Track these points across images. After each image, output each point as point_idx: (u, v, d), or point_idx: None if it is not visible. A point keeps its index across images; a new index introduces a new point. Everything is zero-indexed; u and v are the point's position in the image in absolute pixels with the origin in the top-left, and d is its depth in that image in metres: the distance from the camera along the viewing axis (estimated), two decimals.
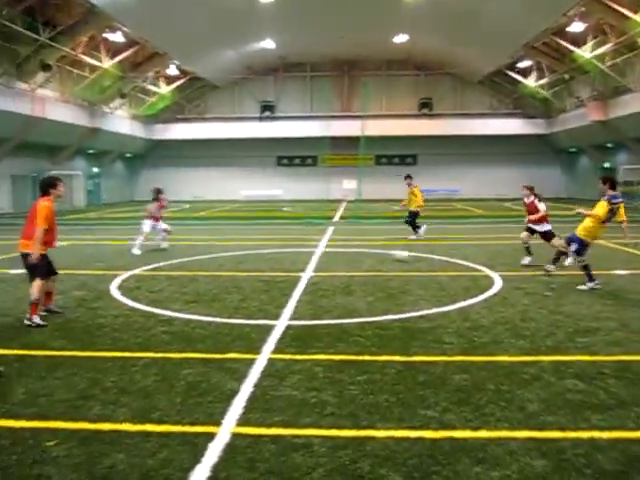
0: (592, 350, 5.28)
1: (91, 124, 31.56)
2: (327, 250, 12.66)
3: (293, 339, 5.70)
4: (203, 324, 6.30)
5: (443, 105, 41.74)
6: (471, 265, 10.28)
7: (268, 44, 34.30)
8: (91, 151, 35.63)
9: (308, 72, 42.35)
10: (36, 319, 6.26)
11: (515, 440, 3.54)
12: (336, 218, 23.11)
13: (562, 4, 25.06)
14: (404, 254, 10.82)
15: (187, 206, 33.70)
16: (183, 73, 36.92)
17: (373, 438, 3.58)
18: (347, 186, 40.47)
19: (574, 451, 3.40)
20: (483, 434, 3.63)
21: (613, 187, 8.51)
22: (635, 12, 23.63)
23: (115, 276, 9.28)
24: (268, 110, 41.92)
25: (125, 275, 9.44)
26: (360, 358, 5.11)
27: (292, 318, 6.52)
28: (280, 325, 6.19)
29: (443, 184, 41.36)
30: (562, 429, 3.68)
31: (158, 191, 13.15)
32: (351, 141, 40.57)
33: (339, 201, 36.63)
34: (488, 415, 3.91)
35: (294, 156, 43.24)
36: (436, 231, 16.79)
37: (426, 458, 3.33)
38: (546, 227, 10.04)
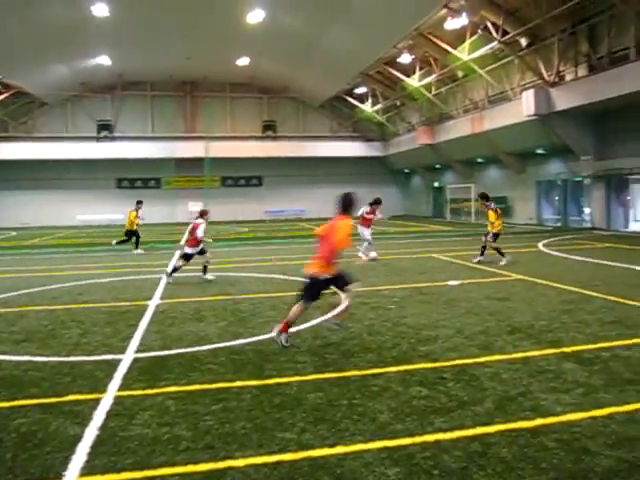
0: (433, 357, 5.68)
1: None
2: (174, 275, 12.20)
3: (141, 373, 5.37)
4: (37, 365, 5.68)
5: (286, 128, 42.90)
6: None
7: (104, 60, 32.63)
8: None
9: (149, 91, 40.98)
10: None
11: (369, 452, 3.66)
12: (182, 242, 22.40)
13: (392, 37, 27.30)
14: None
15: (13, 233, 30.54)
16: (5, 87, 33.63)
17: (232, 468, 3.47)
18: (193, 208, 39.51)
19: (422, 455, 3.60)
20: (340, 450, 3.70)
21: (487, 199, 13.22)
22: (454, 48, 26.50)
23: None
24: (105, 130, 39.64)
25: None
26: (214, 386, 4.96)
27: (139, 350, 6.15)
28: (126, 359, 5.80)
29: (290, 205, 42.38)
30: (411, 435, 3.88)
31: None
32: (196, 163, 39.99)
33: (186, 224, 35.64)
34: (343, 430, 4.00)
35: (136, 178, 41.30)
36: (285, 252, 17.10)
37: None
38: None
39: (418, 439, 3.82)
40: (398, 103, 37.80)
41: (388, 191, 44.25)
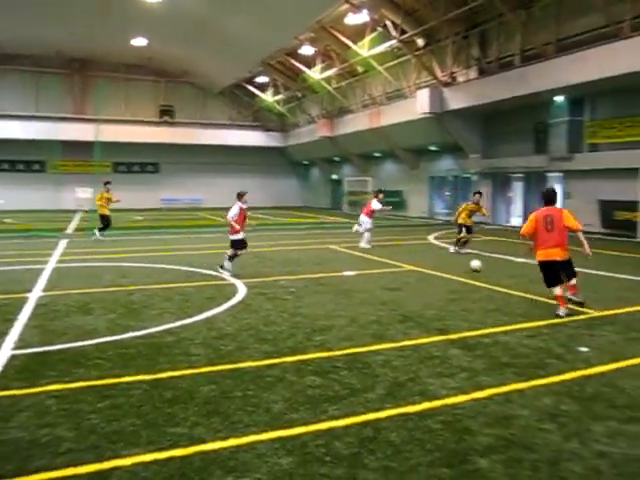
0: (327, 346, 5.78)
1: None
2: (59, 266, 11.46)
3: (19, 371, 4.98)
4: None
5: (185, 114, 41.59)
6: (215, 274, 10.40)
7: None
8: None
9: (31, 66, 37.79)
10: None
11: (263, 443, 3.65)
12: (70, 230, 21.15)
13: (294, 28, 27.27)
14: (477, 263, 10.98)
15: None
16: None
17: (119, 468, 3.31)
18: (82, 195, 37.29)
19: (315, 443, 3.65)
20: (233, 442, 3.65)
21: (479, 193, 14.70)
22: (355, 43, 26.99)
23: None
24: None
25: None
26: (101, 382, 4.71)
27: (17, 347, 5.69)
28: (1, 357, 5.36)
29: (187, 193, 41.26)
30: (304, 424, 3.92)
31: None
32: (85, 146, 37.70)
33: (73, 211, 33.61)
34: (237, 422, 3.95)
35: (17, 160, 38.16)
36: (182, 241, 16.65)
37: (178, 477, 3.21)
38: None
39: (311, 427, 3.87)
40: (299, 95, 37.95)
41: (287, 182, 44.48)
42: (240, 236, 10.39)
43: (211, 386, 4.64)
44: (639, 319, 6.99)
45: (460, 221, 14.23)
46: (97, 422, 3.93)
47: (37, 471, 3.27)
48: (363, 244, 15.06)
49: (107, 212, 17.27)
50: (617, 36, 16.55)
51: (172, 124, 40.61)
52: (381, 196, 15.81)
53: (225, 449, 3.56)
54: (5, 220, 26.61)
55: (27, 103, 37.72)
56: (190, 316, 7.03)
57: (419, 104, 24.44)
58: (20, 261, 12.04)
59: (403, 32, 24.32)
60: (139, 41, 32.69)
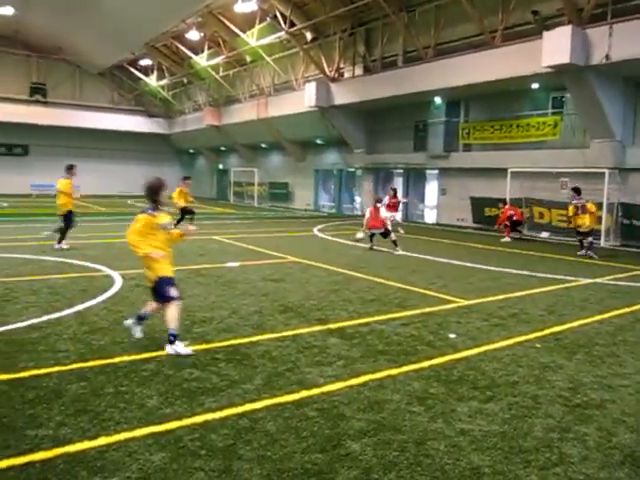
0: (207, 338, 5.68)
1: None
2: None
3: None
4: None
5: (60, 94, 38.71)
6: (90, 265, 9.83)
7: None
8: None
9: None
10: None
11: (135, 440, 3.51)
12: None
13: (181, 11, 26.31)
14: (360, 235, 13.45)
15: None
16: None
17: None
18: None
19: (190, 437, 3.57)
20: (102, 441, 3.48)
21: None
22: (244, 32, 26.63)
23: None
24: None
25: None
26: None
27: None
28: None
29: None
30: (179, 418, 3.82)
31: None
32: None
33: None
34: (107, 420, 3.77)
35: None
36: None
37: None
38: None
39: (187, 421, 3.78)
40: (185, 81, 36.82)
41: (171, 170, 42.89)
42: None
43: (80, 383, 4.39)
44: (501, 307, 7.60)
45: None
46: None
47: None
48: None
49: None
50: (490, 45, 17.82)
51: (45, 104, 37.61)
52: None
53: (93, 449, 3.38)
54: None
55: None
56: (59, 310, 6.58)
57: (306, 97, 24.72)
58: None
59: (292, 25, 24.43)
60: (5, 10, 29.83)
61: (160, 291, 5.25)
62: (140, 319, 5.56)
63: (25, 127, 36.54)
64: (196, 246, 13.11)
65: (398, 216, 19.13)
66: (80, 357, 5.00)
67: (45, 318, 6.22)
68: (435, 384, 4.63)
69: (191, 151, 43.02)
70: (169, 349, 5.14)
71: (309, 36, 25.82)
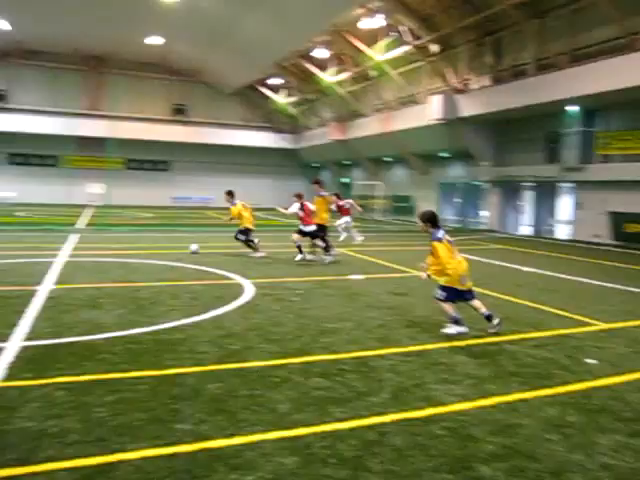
0: (333, 349, 5.80)
1: None
2: (70, 260, 11.57)
3: (28, 362, 5.03)
4: None
5: (197, 113, 41.87)
6: (224, 273, 10.45)
7: (2, 25, 30.11)
8: None
9: (49, 62, 38.20)
10: None
11: (268, 442, 3.67)
12: (80, 225, 21.31)
13: (308, 31, 27.37)
14: (194, 247, 13.08)
15: None
16: None
17: (124, 461, 3.34)
18: (93, 190, 37.63)
19: (319, 444, 3.66)
20: (238, 440, 3.68)
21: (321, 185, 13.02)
22: (369, 47, 27.06)
23: None
24: None
25: None
26: (109, 376, 4.75)
27: (27, 338, 5.76)
28: (11, 347, 5.41)
29: (198, 192, 41.40)
30: (309, 425, 3.94)
31: None
32: (98, 142, 38.11)
33: (84, 206, 33.84)
34: (242, 421, 3.98)
35: (31, 154, 38.51)
36: (190, 240, 16.71)
37: (182, 473, 3.24)
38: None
39: (316, 429, 3.88)
40: (312, 97, 38.05)
41: (296, 184, 44.39)
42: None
43: (217, 384, 4.67)
44: None
45: None
46: (104, 415, 3.97)
47: (45, 461, 3.31)
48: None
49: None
50: (631, 48, 16.50)
51: (185, 123, 40.88)
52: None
53: (230, 447, 3.59)
54: (17, 213, 26.87)
55: (44, 98, 38.19)
56: (198, 314, 7.07)
57: (431, 110, 24.45)
58: (31, 254, 12.14)
59: (417, 38, 24.36)
60: (155, 39, 32.96)
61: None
62: (456, 322, 6.43)
63: (167, 145, 39.92)
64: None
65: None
66: (217, 359, 5.33)
67: (186, 321, 6.72)
68: (572, 412, 4.34)
69: (316, 165, 44.24)
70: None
71: (435, 48, 25.57)
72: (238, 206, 13.49)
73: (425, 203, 30.95)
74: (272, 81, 37.74)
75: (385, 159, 34.16)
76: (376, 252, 14.85)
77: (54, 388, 4.43)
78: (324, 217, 12.67)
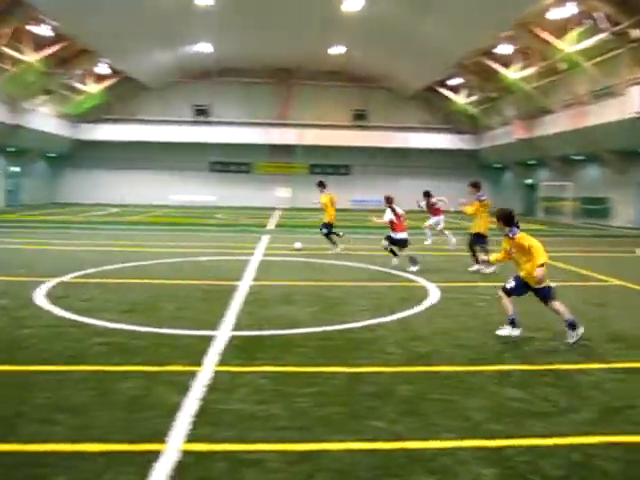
0: (529, 359, 5.49)
1: (11, 120, 29.77)
2: (264, 259, 12.56)
3: (237, 350, 5.57)
4: (140, 334, 6.06)
5: (376, 117, 42.65)
6: (408, 276, 10.50)
7: (204, 47, 33.90)
8: (11, 149, 33.47)
9: (244, 78, 41.94)
10: None
11: (463, 449, 3.61)
12: (271, 226, 23.01)
13: (492, 27, 26.31)
14: (298, 245, 13.84)
15: (115, 210, 32.52)
16: (113, 72, 35.75)
17: (327, 451, 3.54)
18: (280, 194, 40.50)
19: (519, 458, 3.50)
20: (432, 444, 3.67)
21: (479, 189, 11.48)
22: (557, 39, 25.20)
23: (39, 283, 8.75)
24: (202, 114, 41.41)
25: (51, 282, 8.93)
26: (306, 369, 5.07)
27: (234, 329, 6.38)
28: (221, 336, 6.04)
29: (376, 195, 42.14)
30: (508, 437, 3.78)
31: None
32: (287, 149, 40.87)
33: (273, 209, 36.50)
34: (435, 425, 3.96)
35: (228, 162, 42.63)
36: (369, 242, 17.08)
37: (382, 470, 3.33)
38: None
39: (514, 442, 3.72)
40: (493, 95, 36.49)
41: None
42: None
43: (407, 386, 4.71)
44: None
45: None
46: (306, 406, 4.24)
47: (258, 441, 3.64)
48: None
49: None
50: None
51: (364, 128, 41.91)
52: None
53: (426, 450, 3.59)
54: (216, 215, 29.94)
55: (240, 111, 42.03)
56: (384, 315, 7.20)
57: (632, 103, 21.93)
58: (230, 252, 13.43)
59: (615, 24, 22.05)
60: (337, 49, 34.34)
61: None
62: (512, 323, 6.25)
63: (347, 149, 41.30)
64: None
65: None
66: (405, 361, 5.38)
67: (373, 321, 6.89)
68: None
69: (497, 166, 42.34)
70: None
71: (636, 33, 22.88)
72: (327, 197, 14.31)
73: (621, 205, 27.91)
74: (452, 81, 36.98)
75: (575, 158, 31.43)
76: (565, 258, 13.72)
77: (259, 376, 4.85)
78: (482, 224, 11.12)
